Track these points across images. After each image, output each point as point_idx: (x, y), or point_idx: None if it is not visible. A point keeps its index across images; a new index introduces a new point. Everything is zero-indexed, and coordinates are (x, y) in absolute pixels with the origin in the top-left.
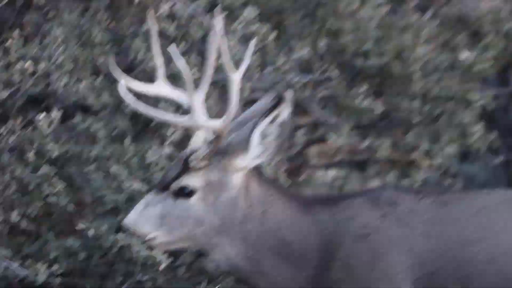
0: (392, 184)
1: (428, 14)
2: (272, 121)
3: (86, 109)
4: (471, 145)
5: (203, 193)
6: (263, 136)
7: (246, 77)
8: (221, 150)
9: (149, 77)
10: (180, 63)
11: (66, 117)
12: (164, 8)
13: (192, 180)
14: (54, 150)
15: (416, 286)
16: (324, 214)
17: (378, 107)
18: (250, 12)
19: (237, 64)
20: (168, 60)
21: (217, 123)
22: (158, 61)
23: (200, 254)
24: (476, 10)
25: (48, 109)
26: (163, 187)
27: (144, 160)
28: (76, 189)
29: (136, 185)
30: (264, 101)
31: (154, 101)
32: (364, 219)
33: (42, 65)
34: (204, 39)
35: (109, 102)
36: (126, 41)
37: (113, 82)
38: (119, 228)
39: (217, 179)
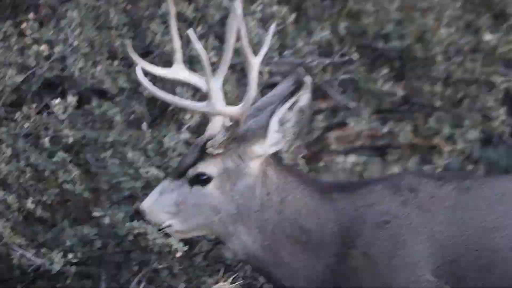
0: (413, 170)
1: None
2: (290, 107)
3: (102, 94)
4: (494, 129)
5: (220, 181)
6: (282, 122)
7: (265, 60)
8: (239, 137)
9: (167, 61)
10: (198, 47)
11: (81, 102)
12: None
13: (208, 167)
14: (69, 136)
15: (436, 274)
16: (343, 201)
17: (399, 91)
18: None
19: (255, 47)
20: (186, 43)
21: (234, 110)
22: (176, 44)
23: (218, 242)
24: None
25: (63, 94)
26: (179, 174)
27: (161, 146)
28: (92, 175)
29: (153, 171)
30: (283, 86)
31: (171, 84)
32: (384, 206)
33: (57, 49)
34: (222, 21)
35: (126, 86)
36: (143, 24)
37: (130, 66)
38: (135, 216)
39: (234, 166)
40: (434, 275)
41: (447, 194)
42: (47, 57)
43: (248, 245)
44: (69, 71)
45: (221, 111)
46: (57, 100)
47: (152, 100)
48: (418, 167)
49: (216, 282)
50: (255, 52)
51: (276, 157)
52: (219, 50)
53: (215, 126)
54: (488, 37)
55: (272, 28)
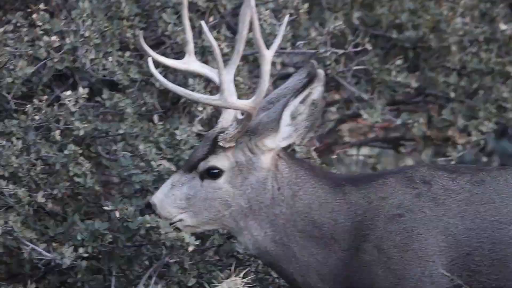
0: (427, 162)
1: None
2: (303, 101)
3: (113, 86)
4: (508, 121)
5: (231, 175)
6: (294, 116)
7: (277, 51)
8: (250, 130)
9: (178, 52)
10: (211, 39)
11: (93, 94)
12: None
13: (219, 161)
14: (80, 128)
15: (450, 268)
16: (356, 194)
17: (413, 82)
18: None
19: (268, 37)
20: (198, 34)
21: (246, 103)
22: (188, 35)
23: (230, 236)
24: None
25: (74, 86)
26: (190, 167)
27: (173, 138)
28: (103, 168)
29: (165, 164)
30: (296, 79)
31: (184, 75)
32: (398, 199)
33: (68, 40)
34: (234, 11)
35: (137, 78)
36: (154, 14)
37: (142, 57)
38: (145, 210)
39: (246, 160)
40: (447, 269)
41: (461, 187)
42: (58, 49)
43: (259, 240)
44: (80, 62)
45: (233, 105)
46: (68, 92)
47: (164, 92)
48: (432, 159)
49: (228, 277)
50: (268, 43)
51: (288, 150)
52: (231, 41)
53: (227, 119)
54: (503, 26)
55: (286, 20)
